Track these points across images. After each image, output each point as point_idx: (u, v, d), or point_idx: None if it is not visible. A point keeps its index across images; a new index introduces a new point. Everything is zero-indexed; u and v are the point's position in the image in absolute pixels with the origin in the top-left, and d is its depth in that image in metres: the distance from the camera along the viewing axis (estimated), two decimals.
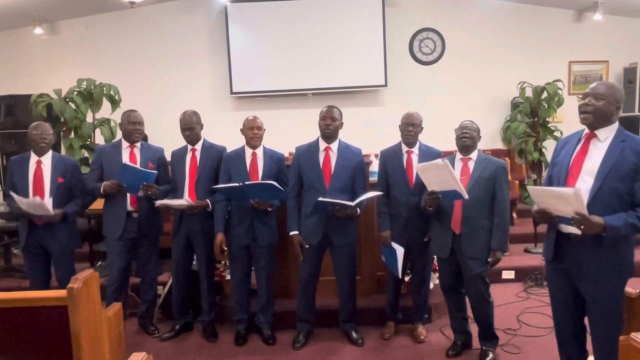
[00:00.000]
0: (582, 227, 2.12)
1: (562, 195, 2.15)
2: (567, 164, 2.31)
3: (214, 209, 3.36)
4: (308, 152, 3.31)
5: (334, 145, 3.29)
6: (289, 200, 3.32)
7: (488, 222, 2.94)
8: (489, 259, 2.93)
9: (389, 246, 3.24)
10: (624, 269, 2.26)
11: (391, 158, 3.32)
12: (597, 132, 2.26)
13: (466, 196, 2.82)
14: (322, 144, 3.30)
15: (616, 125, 2.26)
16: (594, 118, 2.24)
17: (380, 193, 3.24)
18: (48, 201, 3.27)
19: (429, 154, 3.28)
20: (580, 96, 2.33)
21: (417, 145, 3.31)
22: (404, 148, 3.30)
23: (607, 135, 2.24)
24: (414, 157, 3.27)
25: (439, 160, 2.84)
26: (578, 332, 2.45)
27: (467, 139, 2.97)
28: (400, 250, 3.20)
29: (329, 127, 3.23)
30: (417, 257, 3.35)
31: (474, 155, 3.00)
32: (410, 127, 3.24)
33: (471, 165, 2.98)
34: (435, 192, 2.87)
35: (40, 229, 3.33)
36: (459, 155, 3.03)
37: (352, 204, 3.06)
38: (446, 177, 2.78)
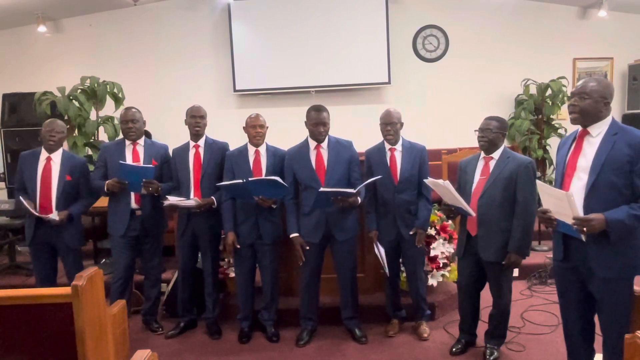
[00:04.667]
0: (584, 229, 2.11)
1: (557, 196, 2.17)
2: (564, 163, 2.33)
3: (222, 209, 3.36)
4: (299, 153, 3.31)
5: (324, 143, 3.30)
6: (286, 202, 3.32)
7: (507, 224, 2.84)
8: (504, 262, 2.87)
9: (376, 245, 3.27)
10: (632, 267, 2.25)
11: (375, 157, 3.32)
12: (589, 128, 2.26)
13: (473, 214, 2.84)
14: (312, 143, 3.30)
15: (609, 119, 2.25)
16: (582, 117, 2.26)
17: (379, 177, 3.22)
18: (54, 212, 3.32)
19: (412, 150, 3.28)
20: (569, 95, 2.34)
21: (400, 142, 3.30)
22: (387, 146, 3.30)
23: (599, 130, 2.24)
24: (397, 154, 3.28)
25: (440, 180, 2.88)
26: (586, 330, 2.44)
27: (484, 142, 2.93)
28: (381, 250, 3.24)
29: (322, 133, 3.25)
30: (407, 254, 3.35)
31: (496, 154, 2.93)
32: (389, 127, 3.24)
33: (492, 164, 2.92)
34: (449, 204, 2.92)
35: (46, 226, 3.35)
36: (482, 154, 2.99)
37: (354, 191, 3.07)
38: (450, 195, 2.82)
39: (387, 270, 3.27)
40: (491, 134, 2.90)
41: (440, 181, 2.87)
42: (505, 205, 2.84)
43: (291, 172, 3.32)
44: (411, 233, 3.25)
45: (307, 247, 3.27)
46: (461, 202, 2.81)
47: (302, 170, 3.28)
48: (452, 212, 2.96)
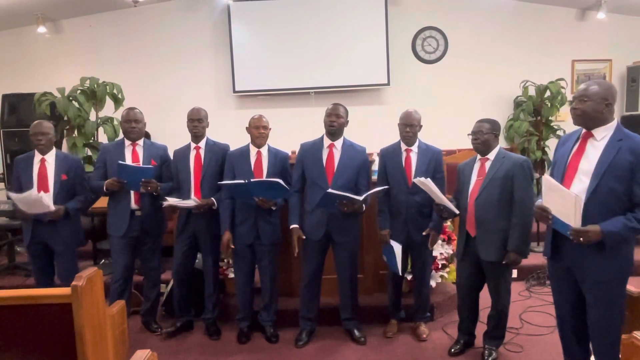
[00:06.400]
0: (581, 239, 2.14)
1: (564, 196, 2.17)
2: (565, 163, 2.32)
3: (220, 208, 3.37)
4: (312, 149, 3.33)
5: (338, 143, 3.31)
6: (291, 195, 3.33)
7: (505, 223, 2.85)
8: (504, 261, 2.88)
9: (388, 244, 3.26)
10: (624, 269, 2.26)
11: (390, 157, 3.32)
12: (593, 131, 2.26)
13: (457, 212, 2.90)
14: (327, 141, 3.31)
15: (614, 123, 2.25)
16: (583, 120, 2.26)
17: (386, 187, 3.24)
18: (49, 194, 3.29)
19: (428, 153, 3.29)
20: (571, 99, 2.36)
21: (417, 143, 3.31)
22: (403, 147, 3.31)
23: (604, 134, 2.24)
24: (413, 156, 3.28)
25: (422, 178, 2.91)
26: (581, 330, 2.45)
27: (478, 145, 2.95)
28: (397, 247, 3.22)
29: (334, 123, 3.25)
30: (416, 255, 3.36)
31: (492, 155, 2.95)
32: (408, 128, 3.24)
33: (488, 165, 2.95)
34: (439, 204, 2.95)
35: (44, 226, 3.36)
36: (478, 156, 3.01)
37: (360, 198, 3.07)
38: (434, 194, 2.85)
39: (399, 270, 3.24)
40: (483, 136, 2.93)
41: (423, 179, 2.91)
42: (502, 205, 2.85)
43: (301, 166, 3.33)
44: (424, 234, 3.26)
45: (304, 237, 3.29)
46: (443, 200, 2.85)
47: (311, 167, 3.29)
48: (442, 212, 2.98)
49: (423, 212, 3.26)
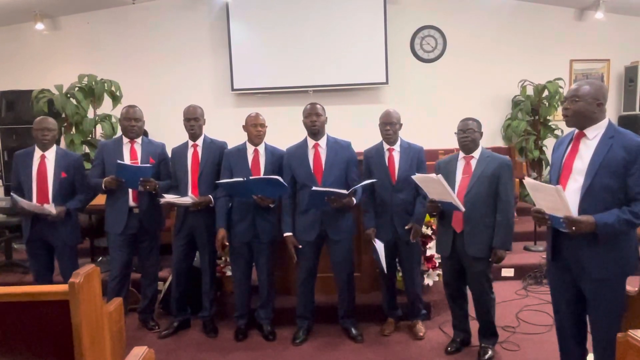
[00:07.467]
0: (573, 228, 2.14)
1: (546, 191, 2.19)
2: (560, 164, 2.35)
3: (216, 205, 3.38)
4: (298, 152, 3.34)
5: (322, 142, 3.32)
6: (283, 200, 3.34)
7: (491, 220, 2.92)
8: (490, 259, 2.92)
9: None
10: (625, 267, 2.26)
11: (373, 156, 3.35)
12: (585, 131, 2.28)
13: (463, 209, 2.87)
14: (311, 142, 3.33)
15: (605, 122, 2.27)
16: (575, 120, 2.28)
17: (374, 180, 3.25)
18: (50, 204, 3.31)
19: (410, 151, 3.32)
20: (563, 99, 2.38)
21: (399, 142, 3.33)
22: (385, 146, 3.33)
23: (595, 133, 2.26)
24: (395, 155, 3.31)
25: (433, 175, 2.89)
26: (578, 329, 2.46)
27: (467, 142, 2.97)
28: (380, 246, 3.24)
29: (315, 123, 3.28)
30: (404, 253, 3.37)
31: (476, 153, 2.99)
32: (388, 126, 3.27)
33: (473, 163, 2.98)
34: (435, 200, 2.93)
35: (43, 224, 3.36)
36: (461, 154, 3.03)
37: (346, 192, 3.08)
38: (442, 190, 2.85)
39: (384, 268, 3.27)
40: (473, 134, 2.97)
41: (433, 175, 2.89)
42: (488, 202, 2.92)
43: (289, 170, 3.34)
44: (406, 228, 3.27)
45: (300, 246, 3.29)
46: (452, 197, 2.83)
47: (299, 169, 3.30)
48: (437, 208, 2.98)
49: (408, 210, 3.28)
